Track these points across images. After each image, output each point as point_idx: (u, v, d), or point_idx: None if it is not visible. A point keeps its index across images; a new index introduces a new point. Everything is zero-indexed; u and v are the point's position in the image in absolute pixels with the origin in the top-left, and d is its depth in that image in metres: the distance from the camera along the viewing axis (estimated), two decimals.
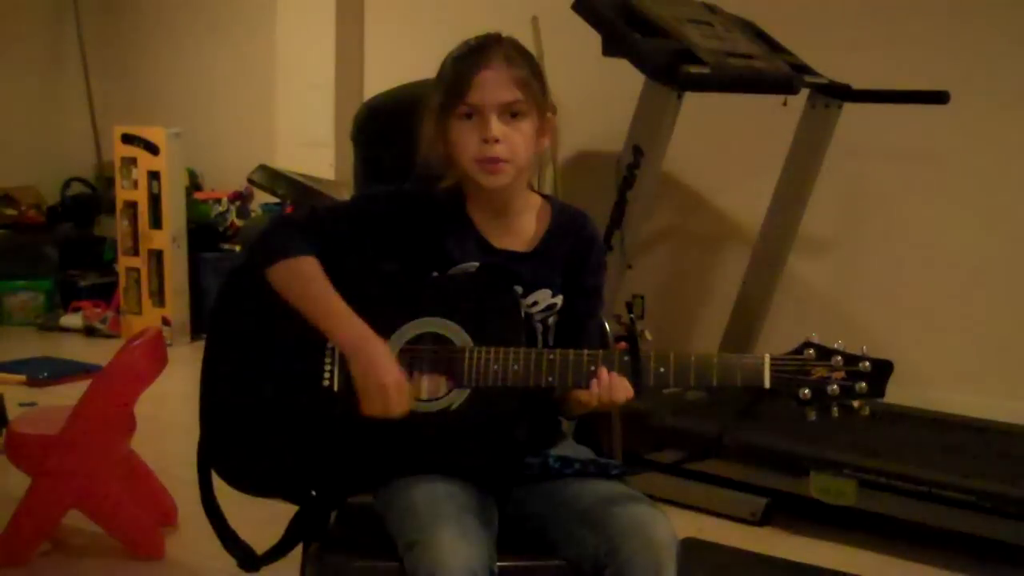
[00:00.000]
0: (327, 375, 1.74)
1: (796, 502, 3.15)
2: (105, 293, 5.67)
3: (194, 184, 5.86)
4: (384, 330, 1.71)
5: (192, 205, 5.50)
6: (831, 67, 3.65)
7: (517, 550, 1.70)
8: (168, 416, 3.70)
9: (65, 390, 4.25)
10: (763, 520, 3.17)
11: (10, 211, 5.96)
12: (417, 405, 1.69)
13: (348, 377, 1.71)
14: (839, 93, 3.61)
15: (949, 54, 3.84)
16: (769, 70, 3.37)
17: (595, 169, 3.92)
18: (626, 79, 3.33)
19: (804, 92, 3.54)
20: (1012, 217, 3.84)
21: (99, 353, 4.60)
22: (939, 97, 3.45)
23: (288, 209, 5.12)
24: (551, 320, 1.82)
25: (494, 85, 1.71)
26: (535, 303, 1.79)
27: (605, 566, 1.61)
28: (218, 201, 5.72)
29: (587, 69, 3.65)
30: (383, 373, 1.66)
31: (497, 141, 1.71)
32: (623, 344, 1.66)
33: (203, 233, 5.56)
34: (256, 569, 1.86)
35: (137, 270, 5.37)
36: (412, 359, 1.71)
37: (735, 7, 3.75)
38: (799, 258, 4.04)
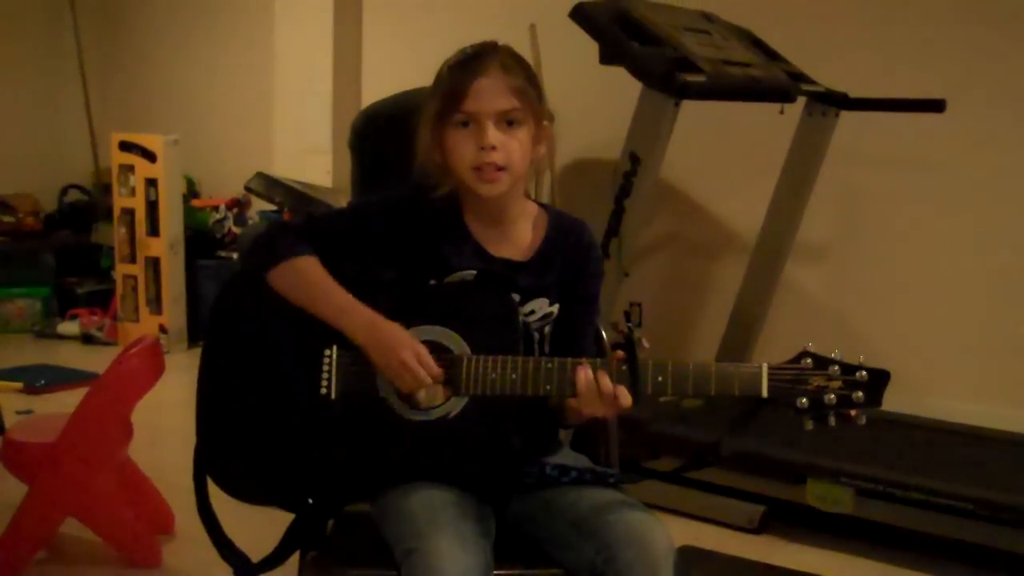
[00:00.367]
0: (324, 383, 1.74)
1: (793, 510, 3.15)
2: (102, 300, 5.67)
3: (191, 191, 5.86)
4: None
5: (189, 212, 5.50)
6: (828, 75, 3.66)
7: (514, 558, 1.70)
8: (165, 424, 3.69)
9: (62, 398, 4.25)
10: (760, 528, 3.17)
11: (7, 218, 5.95)
12: (415, 413, 1.69)
13: (345, 385, 1.72)
14: (836, 101, 3.62)
15: (945, 63, 3.85)
16: (766, 78, 3.38)
17: (592, 177, 3.93)
18: (623, 87, 3.34)
19: (801, 100, 3.55)
20: (1009, 225, 3.85)
21: (96, 361, 4.59)
22: (935, 105, 3.46)
23: (286, 216, 5.12)
24: (548, 328, 1.82)
25: (491, 93, 1.71)
26: (532, 311, 1.79)
27: (602, 574, 1.60)
28: (216, 208, 5.72)
29: (584, 77, 3.66)
30: (400, 350, 1.66)
31: (494, 149, 1.71)
32: (620, 352, 1.66)
33: (200, 240, 5.56)
34: None
35: (134, 277, 5.37)
36: None
37: (732, 16, 3.75)
38: (796, 266, 4.04)
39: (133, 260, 5.37)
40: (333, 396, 1.73)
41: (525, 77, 1.74)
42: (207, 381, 1.81)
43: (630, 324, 1.78)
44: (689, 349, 4.46)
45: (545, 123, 1.79)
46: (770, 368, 1.60)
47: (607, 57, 3.30)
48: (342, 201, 2.09)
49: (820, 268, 4.20)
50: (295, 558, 1.81)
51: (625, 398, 1.62)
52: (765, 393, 1.60)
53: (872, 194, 4.08)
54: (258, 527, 1.88)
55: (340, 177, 5.17)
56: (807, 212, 3.83)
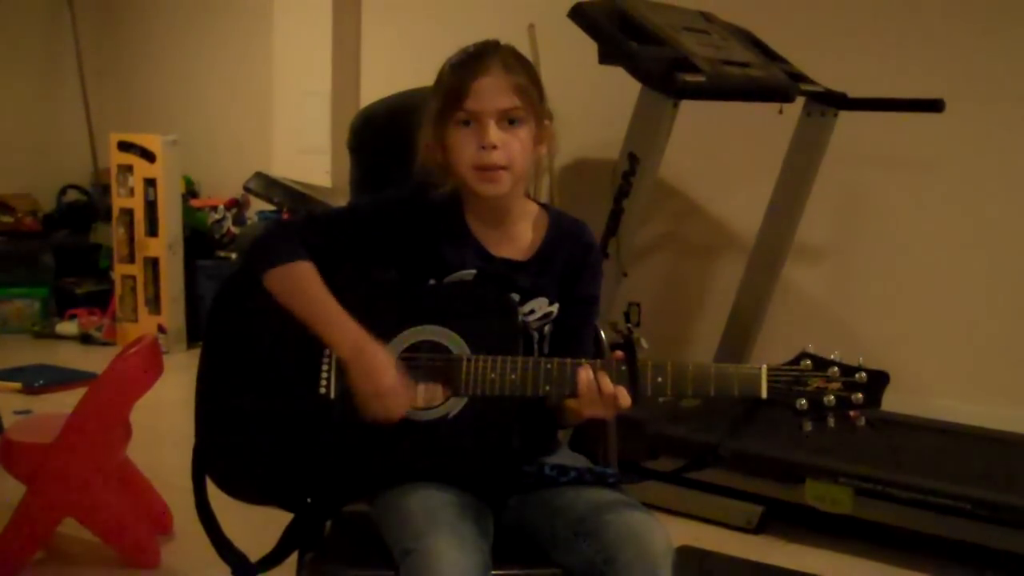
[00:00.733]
0: (324, 382, 1.74)
1: (792, 510, 3.15)
2: (101, 300, 5.67)
3: (190, 191, 5.87)
4: (381, 337, 1.70)
5: (188, 212, 5.50)
6: (827, 75, 3.66)
7: (513, 558, 1.70)
8: (164, 424, 3.69)
9: (61, 398, 4.25)
10: (759, 528, 3.18)
11: (6, 218, 5.95)
12: (414, 413, 1.69)
13: (345, 384, 1.71)
14: (835, 101, 3.62)
15: (944, 63, 3.85)
16: (765, 78, 3.38)
17: (591, 177, 3.93)
18: (622, 87, 3.34)
19: (800, 100, 3.55)
20: (1008, 225, 3.85)
21: (95, 361, 4.60)
22: (934, 105, 3.46)
23: (284, 216, 5.12)
24: (547, 328, 1.82)
25: (492, 92, 1.71)
26: (532, 311, 1.79)
27: (601, 574, 1.60)
28: (214, 208, 5.73)
29: (583, 77, 3.65)
30: (379, 378, 1.66)
31: (495, 147, 1.70)
32: (619, 353, 1.66)
33: (199, 240, 5.56)
34: None
35: (133, 277, 5.37)
36: (409, 367, 1.71)
37: (731, 15, 3.75)
38: (795, 266, 4.04)
39: (132, 260, 5.37)
40: (332, 396, 1.73)
41: (527, 76, 1.74)
42: (206, 381, 1.81)
43: (629, 324, 1.78)
44: (688, 349, 4.46)
45: (546, 122, 1.78)
46: (769, 369, 1.60)
47: (606, 57, 3.30)
48: (341, 201, 2.09)
49: (819, 268, 4.20)
50: (293, 558, 1.81)
51: (625, 399, 1.62)
52: (764, 394, 1.60)
53: (871, 194, 4.08)
54: (256, 527, 1.87)
55: (339, 177, 5.17)
56: (806, 212, 3.83)
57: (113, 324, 5.45)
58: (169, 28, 6.24)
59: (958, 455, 3.25)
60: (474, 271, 1.77)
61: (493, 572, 1.60)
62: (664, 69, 3.13)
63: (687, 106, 3.27)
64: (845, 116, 3.66)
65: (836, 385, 1.58)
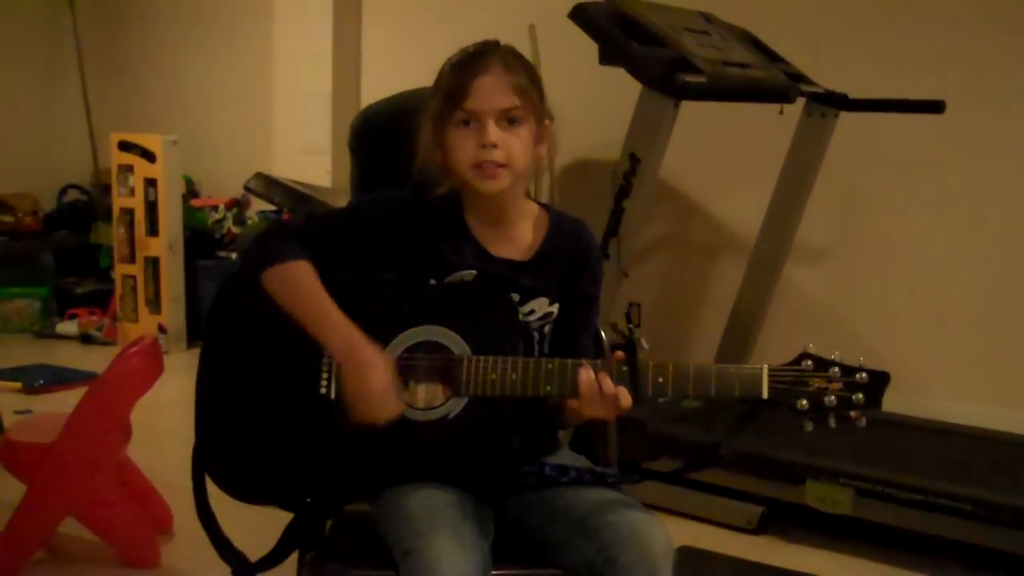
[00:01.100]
0: (324, 382, 1.74)
1: (792, 510, 3.15)
2: (101, 300, 5.67)
3: (191, 191, 5.86)
4: (382, 338, 1.70)
5: (189, 212, 5.50)
6: (827, 76, 3.66)
7: (513, 559, 1.70)
8: (164, 424, 3.69)
9: (61, 397, 4.25)
10: (759, 528, 3.18)
11: (7, 218, 5.95)
12: (415, 413, 1.69)
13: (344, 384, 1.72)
14: (835, 102, 3.62)
15: (945, 63, 3.85)
16: (766, 79, 3.38)
17: (591, 177, 3.93)
18: (623, 87, 3.34)
19: (800, 101, 3.55)
20: (1009, 226, 3.85)
21: (95, 360, 4.60)
22: (935, 106, 3.46)
23: (285, 216, 5.12)
24: (547, 329, 1.82)
25: (492, 91, 1.71)
26: (532, 312, 1.79)
27: (601, 574, 1.60)
28: (215, 208, 5.72)
29: (584, 77, 3.65)
30: (370, 379, 1.66)
31: (495, 147, 1.70)
32: (620, 353, 1.65)
33: (200, 240, 5.56)
34: None
35: (133, 277, 5.37)
36: (410, 367, 1.71)
37: (732, 16, 3.75)
38: (795, 267, 4.04)
39: (132, 260, 5.36)
40: (332, 396, 1.73)
41: (526, 76, 1.74)
42: (206, 381, 1.81)
43: (630, 325, 1.77)
44: (688, 350, 4.46)
45: (546, 122, 1.78)
46: (770, 370, 1.60)
47: (607, 57, 3.30)
48: (341, 201, 2.09)
49: (820, 269, 4.20)
50: (293, 558, 1.81)
51: (625, 399, 1.62)
52: (765, 395, 1.60)
53: (871, 195, 4.08)
54: (257, 527, 1.87)
55: (339, 177, 5.17)
56: (806, 213, 3.83)
57: (113, 324, 5.45)
58: (170, 28, 6.24)
59: (958, 456, 3.25)
60: (474, 271, 1.77)
61: (493, 572, 1.60)
62: (665, 70, 3.13)
63: (688, 107, 3.27)
64: (846, 117, 3.66)
65: (837, 385, 1.58)
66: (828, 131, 3.69)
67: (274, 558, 1.82)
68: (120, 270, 5.41)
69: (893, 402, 1.65)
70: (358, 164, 2.15)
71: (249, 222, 5.66)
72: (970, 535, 2.93)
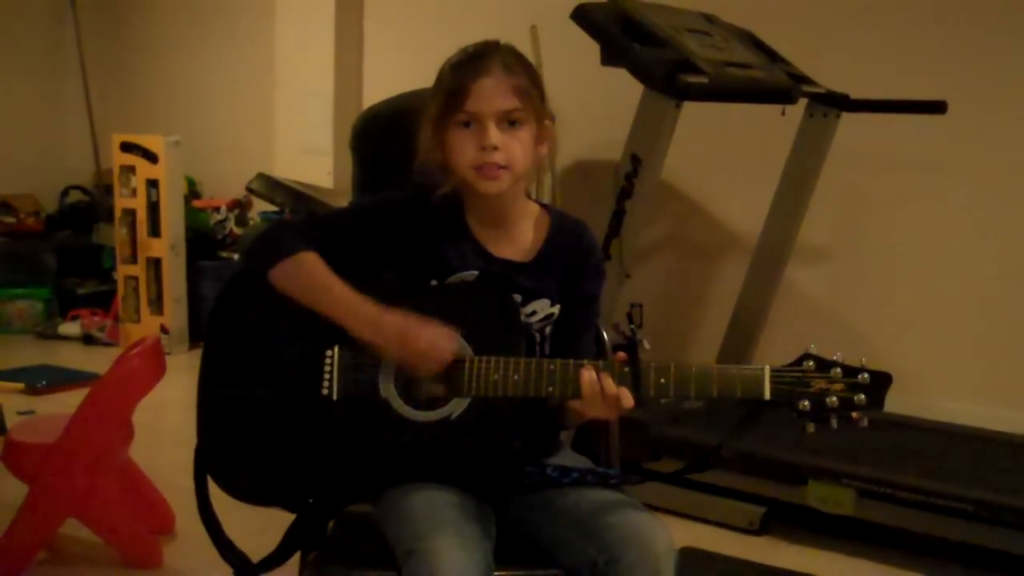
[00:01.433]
0: (326, 383, 1.74)
1: (794, 511, 3.15)
2: (103, 301, 5.67)
3: (193, 192, 5.86)
4: None
5: (191, 213, 5.50)
6: (829, 77, 3.65)
7: (515, 559, 1.70)
8: (166, 424, 3.69)
9: (63, 398, 4.26)
10: (761, 529, 3.18)
11: (9, 219, 5.96)
12: (416, 414, 1.69)
13: (346, 385, 1.72)
14: (837, 103, 3.62)
15: (947, 64, 3.85)
16: (767, 80, 3.38)
17: (593, 178, 3.93)
18: (624, 88, 3.34)
19: (802, 102, 3.55)
20: (1010, 226, 3.84)
21: (97, 361, 4.61)
22: (937, 107, 3.46)
23: (287, 217, 5.12)
24: (549, 329, 1.82)
25: (493, 93, 1.71)
26: (533, 312, 1.79)
27: (603, 575, 1.61)
28: (217, 209, 5.73)
29: (586, 78, 3.65)
30: (410, 339, 1.65)
31: (495, 149, 1.70)
32: (622, 354, 1.65)
33: (202, 241, 5.56)
34: None
35: (135, 278, 5.37)
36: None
37: (733, 17, 3.75)
38: (797, 267, 4.04)
39: (134, 261, 5.37)
40: (335, 397, 1.73)
41: (527, 77, 1.74)
42: (208, 381, 1.81)
43: (632, 326, 1.78)
44: (690, 350, 4.45)
45: (547, 123, 1.78)
46: (772, 370, 1.60)
47: (608, 58, 3.30)
48: (343, 202, 2.09)
49: (821, 270, 4.20)
50: (296, 558, 1.82)
51: (627, 400, 1.62)
52: (767, 395, 1.60)
53: (873, 196, 4.08)
54: (258, 527, 1.88)
55: (341, 178, 5.18)
56: (808, 214, 3.83)
57: (115, 325, 5.45)
58: (172, 29, 6.24)
59: (960, 457, 3.25)
60: (476, 272, 1.77)
61: (495, 573, 1.60)
62: (666, 70, 3.13)
63: (689, 107, 3.27)
64: (847, 117, 3.66)
65: (839, 386, 1.58)
66: (830, 132, 3.69)
67: (276, 559, 1.82)
68: (122, 271, 5.41)
69: (894, 402, 1.65)
70: (360, 165, 2.16)
71: (251, 223, 5.66)
72: (972, 536, 2.93)
